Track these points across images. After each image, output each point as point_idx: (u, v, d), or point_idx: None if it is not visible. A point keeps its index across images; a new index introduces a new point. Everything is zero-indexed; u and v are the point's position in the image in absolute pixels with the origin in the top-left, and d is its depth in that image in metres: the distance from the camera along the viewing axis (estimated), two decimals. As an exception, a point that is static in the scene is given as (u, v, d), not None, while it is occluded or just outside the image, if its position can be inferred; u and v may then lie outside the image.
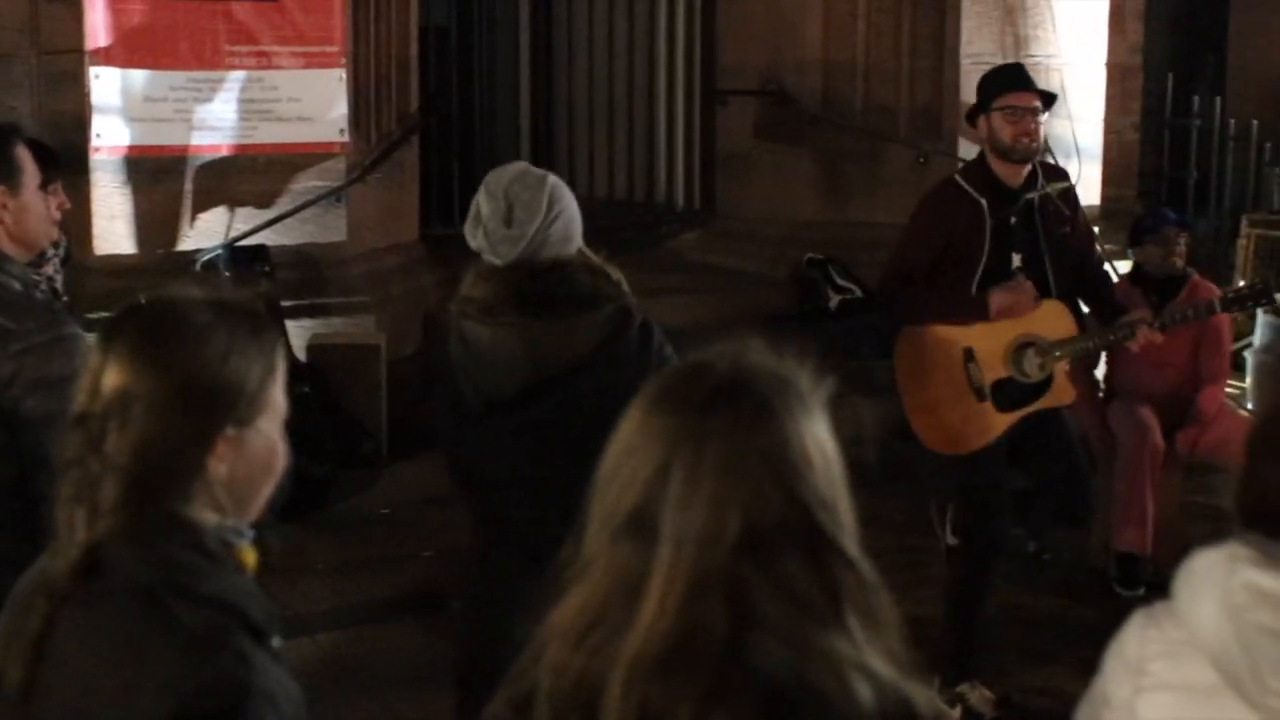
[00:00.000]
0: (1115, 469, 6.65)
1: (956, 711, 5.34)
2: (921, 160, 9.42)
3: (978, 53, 9.68)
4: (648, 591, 1.64)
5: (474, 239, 3.56)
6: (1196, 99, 12.21)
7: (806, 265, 9.64)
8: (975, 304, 5.25)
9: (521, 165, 3.71)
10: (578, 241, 3.59)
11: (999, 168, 5.27)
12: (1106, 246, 9.73)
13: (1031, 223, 5.31)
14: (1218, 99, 12.36)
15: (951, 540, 6.79)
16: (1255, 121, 12.21)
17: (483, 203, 3.54)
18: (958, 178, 5.39)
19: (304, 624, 6.03)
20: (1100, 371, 7.27)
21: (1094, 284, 5.66)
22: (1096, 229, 9.81)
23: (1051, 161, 5.93)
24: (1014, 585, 6.75)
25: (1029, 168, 5.33)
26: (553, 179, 3.61)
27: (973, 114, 5.41)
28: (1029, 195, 5.28)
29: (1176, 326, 5.82)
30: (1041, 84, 9.76)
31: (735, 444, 1.66)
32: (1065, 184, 5.45)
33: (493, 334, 3.49)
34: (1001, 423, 5.34)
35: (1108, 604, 6.22)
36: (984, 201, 5.21)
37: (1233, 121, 12.20)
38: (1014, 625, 6.25)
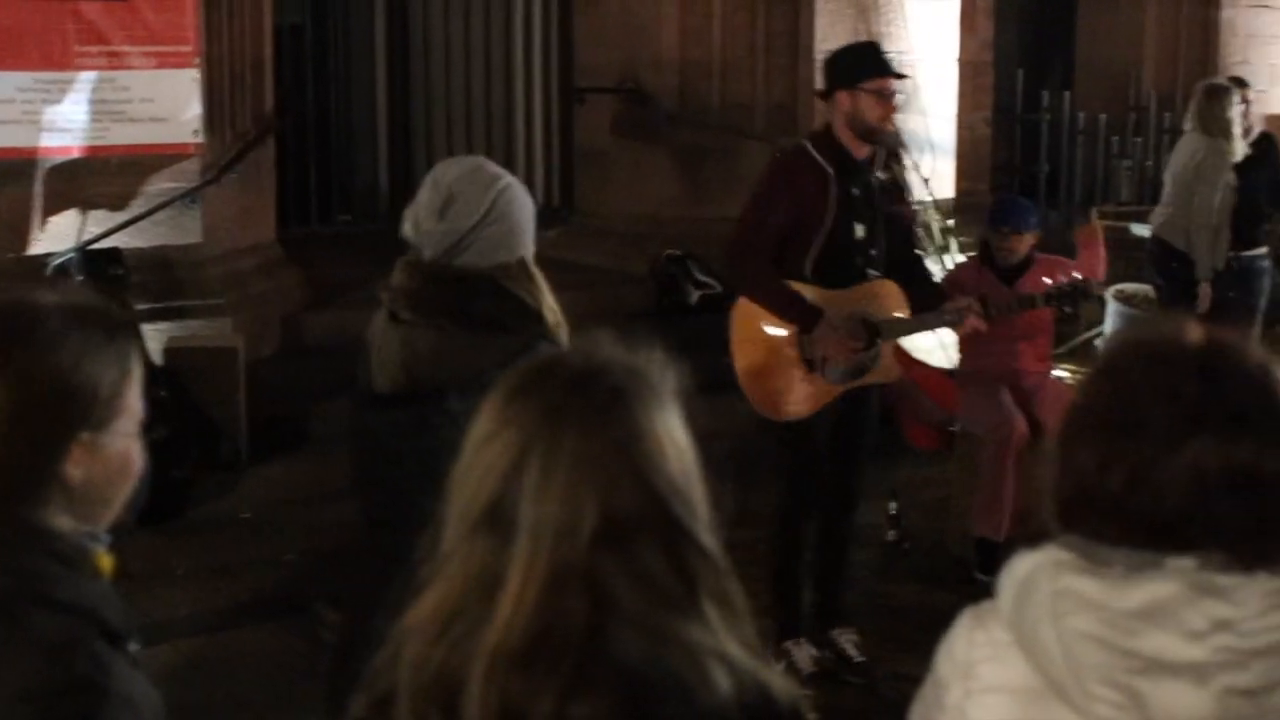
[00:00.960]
0: (980, 456, 6.75)
1: (781, 666, 5.49)
2: (778, 155, 9.48)
3: (831, 49, 9.77)
4: (506, 585, 1.65)
5: (404, 227, 3.44)
6: (1046, 94, 12.46)
7: (666, 261, 9.70)
8: (807, 315, 5.35)
9: (477, 161, 3.58)
10: (519, 252, 3.42)
11: (849, 142, 5.36)
12: (961, 239, 9.93)
13: (873, 196, 5.45)
14: (1066, 94, 12.63)
15: (891, 535, 7.06)
16: (1103, 116, 12.50)
17: (423, 191, 3.42)
18: (806, 143, 5.50)
19: (165, 630, 5.94)
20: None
21: (915, 266, 5.80)
22: (950, 221, 10.02)
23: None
24: (876, 574, 6.87)
25: (884, 145, 5.50)
26: (506, 183, 3.45)
27: (831, 88, 5.46)
28: (876, 172, 5.44)
29: (1003, 316, 5.98)
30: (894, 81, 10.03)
31: (590, 436, 1.68)
32: (903, 166, 5.68)
33: (387, 327, 3.42)
34: (830, 393, 5.48)
35: (968, 590, 6.31)
36: (831, 170, 5.32)
37: (1081, 116, 12.48)
38: (877, 613, 6.34)
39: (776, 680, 1.70)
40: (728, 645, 1.68)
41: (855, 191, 5.37)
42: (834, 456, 5.66)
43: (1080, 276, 6.19)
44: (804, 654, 5.69)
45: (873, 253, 5.47)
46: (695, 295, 9.44)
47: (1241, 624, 1.71)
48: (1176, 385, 1.79)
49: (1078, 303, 6.09)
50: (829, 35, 9.79)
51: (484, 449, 1.71)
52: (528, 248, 3.42)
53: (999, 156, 12.55)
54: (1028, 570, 1.81)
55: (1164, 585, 1.73)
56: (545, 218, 11.28)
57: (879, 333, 5.48)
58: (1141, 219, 10.71)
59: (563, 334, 3.36)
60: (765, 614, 5.64)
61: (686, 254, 9.61)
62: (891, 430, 8.68)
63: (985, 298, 5.82)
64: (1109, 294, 9.96)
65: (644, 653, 1.63)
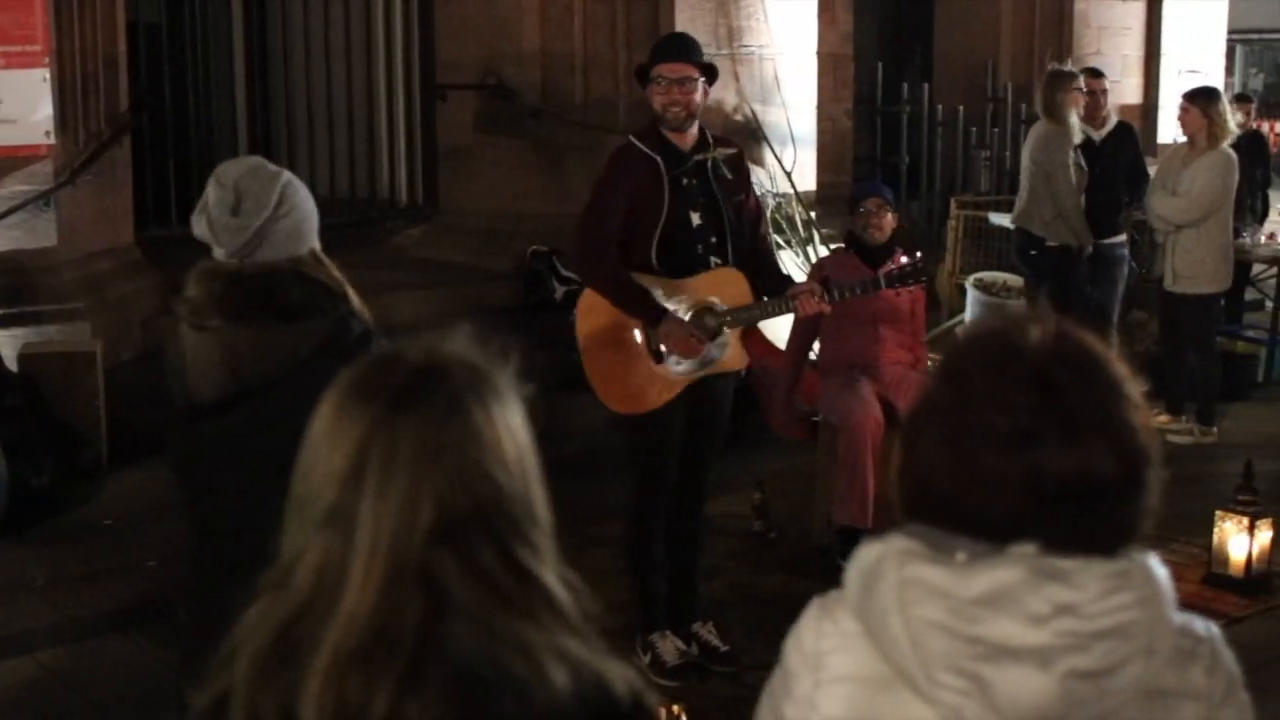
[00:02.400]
0: (838, 445, 6.83)
1: (647, 658, 5.66)
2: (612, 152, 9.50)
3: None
4: (347, 583, 1.65)
5: (198, 227, 3.44)
6: (906, 87, 12.61)
7: (531, 258, 9.69)
8: (652, 311, 5.44)
9: (256, 160, 3.60)
10: (310, 243, 3.46)
11: (669, 132, 5.52)
12: (824, 231, 10.02)
13: (708, 185, 5.55)
14: (926, 87, 12.78)
15: (757, 526, 7.12)
16: (961, 108, 12.68)
17: (211, 191, 3.43)
18: (633, 138, 5.61)
19: (24, 642, 5.84)
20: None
21: (761, 255, 5.86)
22: (813, 213, 10.11)
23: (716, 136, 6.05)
24: (741, 564, 6.93)
25: (696, 134, 5.58)
26: (288, 177, 3.50)
27: (642, 83, 5.63)
28: (698, 156, 5.52)
29: (846, 300, 6.08)
30: (755, 74, 10.11)
31: (428, 434, 1.68)
32: (732, 150, 5.68)
33: (197, 337, 3.41)
34: (675, 385, 5.54)
35: (832, 579, 6.35)
36: (659, 159, 5.45)
37: (940, 108, 12.64)
38: (743, 602, 6.40)
39: (617, 674, 1.70)
40: (565, 641, 1.68)
41: (687, 180, 5.48)
42: (685, 450, 5.71)
43: (919, 255, 6.30)
44: (669, 646, 5.76)
45: (713, 240, 5.56)
46: (560, 291, 9.44)
47: (1083, 608, 1.73)
48: (1013, 395, 1.79)
49: (914, 280, 6.18)
50: (689, 29, 9.79)
51: (323, 447, 1.71)
52: (315, 239, 3.47)
53: (860, 148, 12.67)
54: (874, 559, 1.82)
55: (1006, 572, 1.74)
56: (408, 216, 11.35)
57: (722, 321, 5.55)
58: (1000, 209, 10.91)
59: (367, 313, 3.44)
60: (627, 608, 5.74)
61: (551, 250, 9.60)
62: (757, 420, 8.75)
63: (827, 280, 5.91)
64: (969, 282, 10.12)
65: (480, 650, 1.63)
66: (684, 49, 5.60)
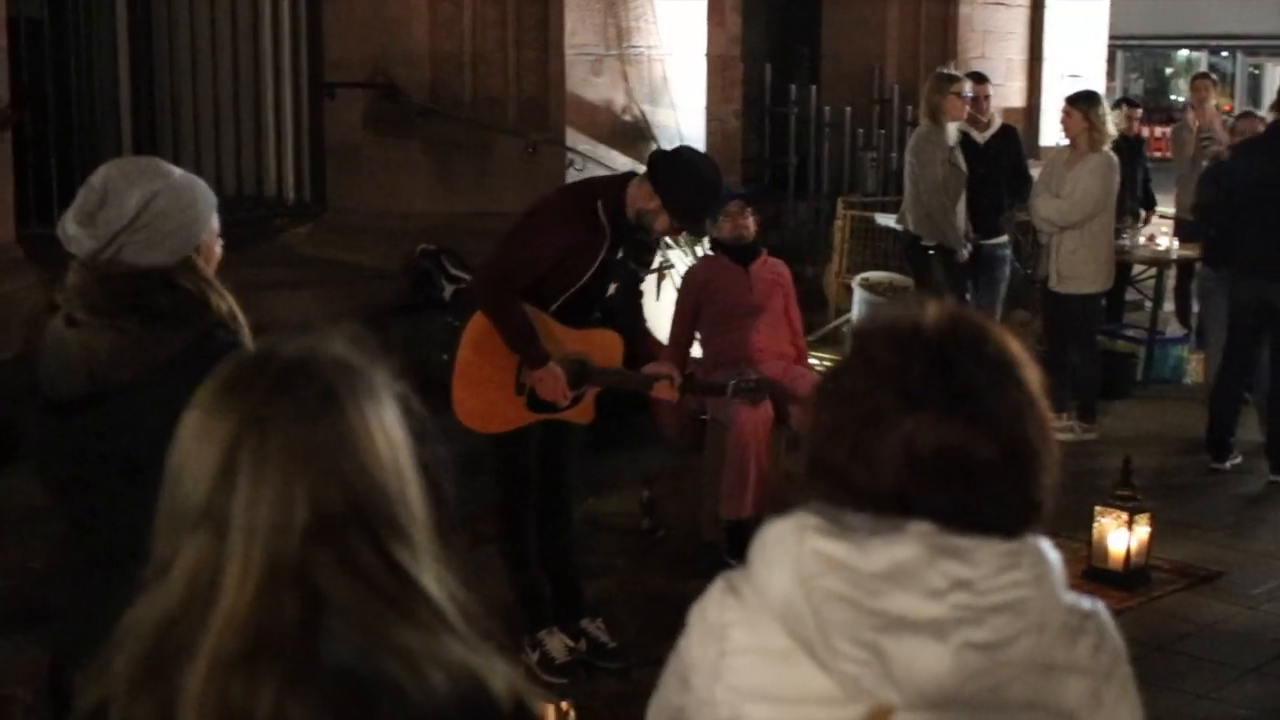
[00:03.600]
0: (727, 441, 6.87)
1: (535, 655, 5.75)
2: (530, 150, 9.51)
3: (582, 44, 9.84)
4: (223, 585, 1.63)
5: (59, 228, 3.40)
6: (794, 88, 12.70)
7: (419, 256, 9.64)
8: (537, 356, 5.55)
9: (140, 162, 3.53)
10: (182, 252, 3.38)
11: (632, 217, 5.62)
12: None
13: (628, 259, 5.79)
14: (813, 89, 12.88)
15: (646, 523, 7.26)
16: (848, 109, 12.78)
17: (80, 192, 3.38)
18: (599, 207, 5.59)
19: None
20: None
21: (635, 319, 6.08)
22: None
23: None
24: (629, 561, 6.96)
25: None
26: (161, 185, 3.39)
27: (650, 181, 5.63)
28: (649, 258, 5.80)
29: (694, 395, 6.43)
30: (644, 75, 10.14)
31: (299, 432, 1.66)
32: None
33: (62, 333, 3.37)
34: (526, 418, 5.71)
35: (719, 575, 6.43)
36: (608, 233, 5.56)
37: (828, 109, 12.74)
38: (632, 600, 6.42)
39: (498, 673, 1.71)
40: (445, 642, 1.68)
41: (619, 254, 5.65)
42: (545, 456, 5.85)
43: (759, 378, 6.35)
44: (557, 643, 5.80)
45: (610, 305, 5.77)
46: (449, 290, 9.40)
47: (978, 583, 1.80)
48: (904, 365, 1.86)
49: (760, 395, 6.27)
50: (578, 29, 9.84)
51: (194, 447, 1.69)
52: (193, 246, 3.40)
53: (749, 149, 12.76)
54: (777, 535, 1.88)
55: (906, 547, 1.81)
56: (296, 214, 11.25)
57: (589, 379, 5.72)
58: (886, 209, 11.03)
59: (240, 325, 3.38)
60: (514, 607, 5.81)
61: (440, 249, 9.56)
62: (645, 420, 8.78)
63: (689, 375, 6.18)
64: (855, 282, 10.22)
65: (357, 651, 1.62)
66: (712, 208, 6.13)
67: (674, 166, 5.68)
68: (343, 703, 1.61)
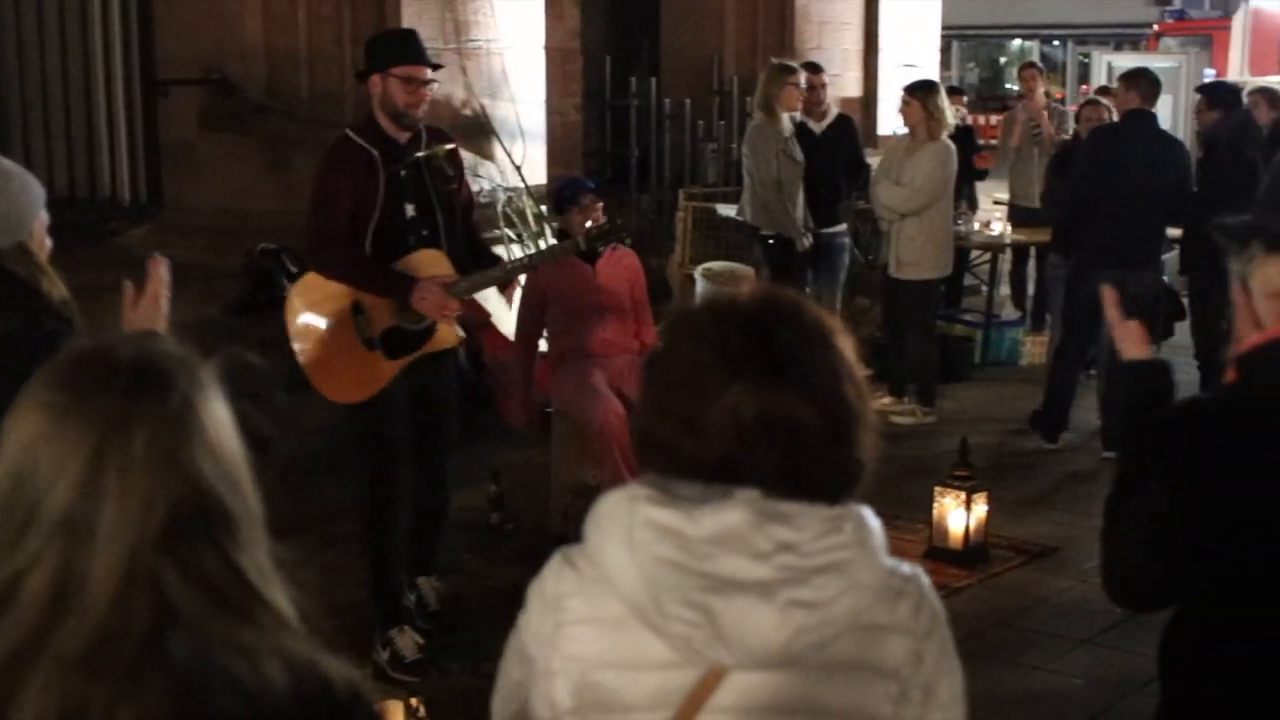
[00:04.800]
0: (592, 448, 6.87)
1: (386, 654, 5.73)
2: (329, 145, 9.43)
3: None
4: (85, 590, 1.61)
5: None
6: (634, 81, 12.74)
7: (260, 255, 9.52)
8: (402, 283, 5.57)
9: None
10: (14, 238, 3.43)
11: (388, 126, 5.64)
12: (555, 224, 10.07)
13: (422, 178, 5.70)
14: (653, 81, 12.94)
15: (494, 518, 7.26)
16: (688, 101, 12.87)
17: None
18: (349, 132, 5.73)
19: None
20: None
21: (474, 240, 6.09)
22: (544, 208, 10.16)
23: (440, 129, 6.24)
24: (478, 557, 6.95)
25: (416, 129, 5.72)
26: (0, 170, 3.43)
27: (366, 72, 5.73)
28: (418, 154, 5.67)
29: (553, 260, 6.61)
30: (483, 69, 10.13)
31: (163, 436, 1.65)
32: (450, 145, 5.85)
33: None
34: (390, 369, 5.69)
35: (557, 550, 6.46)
36: (376, 153, 5.58)
37: (668, 102, 12.82)
38: (480, 596, 6.42)
39: (335, 671, 1.72)
40: (284, 640, 1.68)
41: (403, 173, 5.63)
42: (420, 435, 5.82)
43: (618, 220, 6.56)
44: (407, 641, 5.78)
45: (424, 232, 5.72)
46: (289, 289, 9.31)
47: (802, 545, 1.89)
48: (724, 337, 1.94)
49: (615, 237, 6.52)
50: (416, 23, 9.77)
51: (48, 451, 1.64)
52: (26, 231, 3.45)
53: (590, 142, 12.78)
54: (610, 506, 1.96)
55: (734, 513, 1.89)
56: (132, 214, 11.05)
57: (449, 290, 5.66)
58: (728, 199, 11.11)
59: (72, 313, 3.42)
60: (364, 605, 5.81)
61: (280, 247, 9.46)
62: (493, 413, 8.77)
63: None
64: (698, 272, 10.30)
65: (197, 652, 1.62)
66: (422, 50, 5.76)
67: (366, 47, 5.89)
68: (182, 704, 1.60)
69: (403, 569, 5.90)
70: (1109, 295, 2.92)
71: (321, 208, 5.63)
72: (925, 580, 2.03)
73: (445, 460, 6.03)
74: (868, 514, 1.98)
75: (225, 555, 1.67)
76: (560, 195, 7.35)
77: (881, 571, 1.95)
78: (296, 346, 5.66)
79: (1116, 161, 8.63)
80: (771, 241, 9.58)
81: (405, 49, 5.71)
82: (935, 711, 2.00)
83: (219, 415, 1.72)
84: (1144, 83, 8.91)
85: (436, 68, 5.79)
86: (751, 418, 1.90)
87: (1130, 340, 2.80)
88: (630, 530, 1.90)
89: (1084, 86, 31.53)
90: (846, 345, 2.00)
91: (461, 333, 6.00)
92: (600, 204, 7.20)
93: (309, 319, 5.67)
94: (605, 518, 1.95)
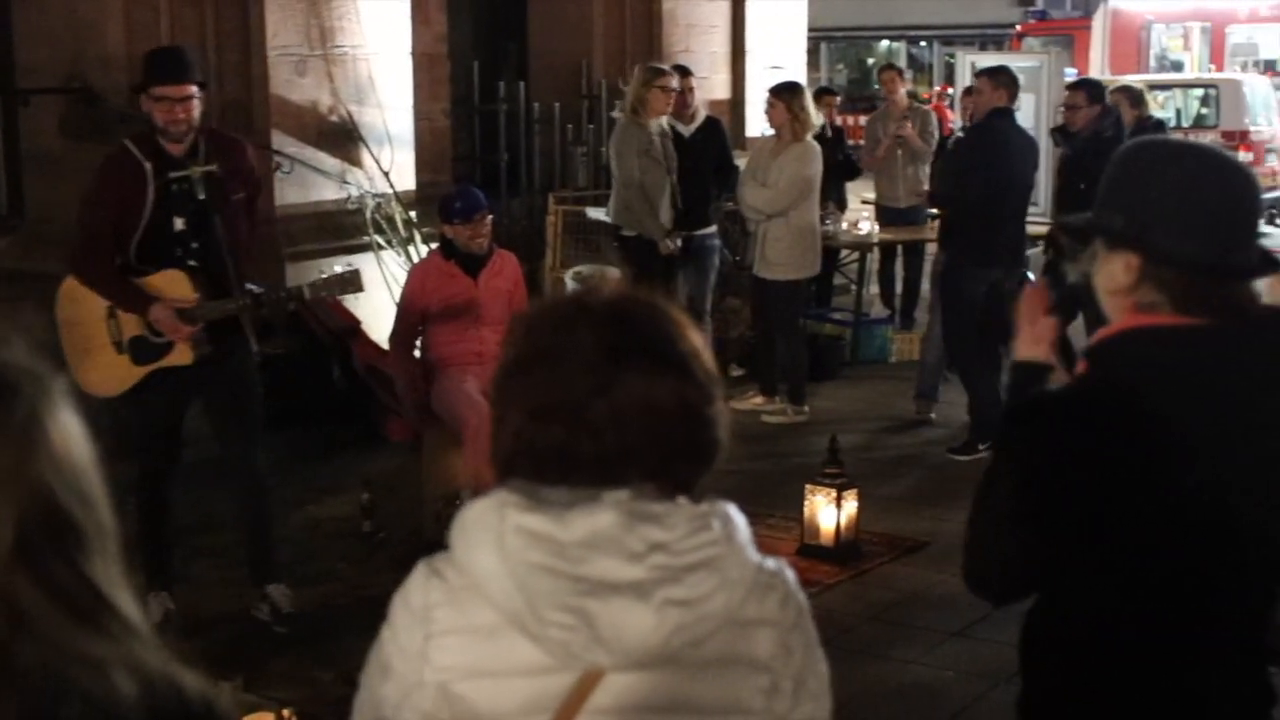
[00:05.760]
0: (464, 453, 6.84)
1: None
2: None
3: (284, 45, 9.72)
4: None
5: None
6: (502, 85, 12.72)
7: (125, 266, 9.41)
8: (142, 301, 5.81)
9: None
10: None
11: (161, 139, 5.81)
12: (424, 230, 10.04)
13: (194, 193, 5.83)
14: (522, 85, 12.93)
15: (367, 526, 7.23)
16: (557, 105, 12.87)
17: None
18: (127, 142, 5.88)
19: None
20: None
21: (248, 254, 6.22)
22: (413, 214, 10.12)
23: (229, 135, 6.46)
24: (352, 566, 6.90)
25: (193, 141, 5.85)
26: None
27: (138, 89, 5.91)
28: (185, 172, 5.79)
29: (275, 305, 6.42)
30: (349, 75, 10.07)
31: (10, 452, 1.62)
32: (210, 167, 5.89)
33: None
34: (136, 374, 5.96)
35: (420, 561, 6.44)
36: (148, 165, 5.75)
37: (537, 106, 12.81)
38: (355, 604, 6.37)
39: (190, 682, 1.71)
40: (137, 651, 1.67)
41: (175, 186, 5.79)
42: (223, 441, 6.16)
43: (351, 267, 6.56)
44: (155, 607, 5.99)
45: (194, 245, 5.88)
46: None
47: (674, 544, 1.91)
48: (597, 331, 1.96)
49: (341, 290, 6.41)
50: (280, 30, 9.72)
51: None
52: None
53: (459, 147, 12.73)
54: (477, 514, 1.95)
55: (604, 516, 1.90)
56: (-7, 226, 10.83)
57: (185, 317, 5.87)
58: (598, 203, 11.14)
59: None
60: (237, 617, 6.05)
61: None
62: (366, 422, 8.73)
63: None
64: (569, 276, 10.30)
65: (46, 663, 1.60)
66: (184, 70, 5.87)
67: (145, 59, 6.03)
68: (27, 713, 1.59)
69: (163, 540, 6.14)
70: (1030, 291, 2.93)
71: (87, 215, 5.91)
72: (790, 574, 2.06)
73: (254, 460, 6.21)
74: (733, 510, 2.00)
75: (75, 568, 1.65)
76: (449, 207, 7.23)
77: (750, 566, 1.98)
78: (62, 333, 5.97)
79: (994, 160, 8.76)
80: (634, 242, 9.60)
81: (159, 69, 5.85)
82: (806, 702, 2.03)
83: (67, 427, 1.70)
84: (1011, 80, 9.05)
85: (203, 85, 5.94)
86: (646, 402, 1.93)
87: (1029, 339, 2.81)
88: (501, 537, 1.90)
89: (940, 86, 32.04)
90: (693, 330, 2.04)
91: (193, 355, 6.01)
92: (490, 219, 7.15)
93: (75, 311, 5.95)
94: (473, 526, 1.95)
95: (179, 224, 5.82)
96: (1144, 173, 2.57)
